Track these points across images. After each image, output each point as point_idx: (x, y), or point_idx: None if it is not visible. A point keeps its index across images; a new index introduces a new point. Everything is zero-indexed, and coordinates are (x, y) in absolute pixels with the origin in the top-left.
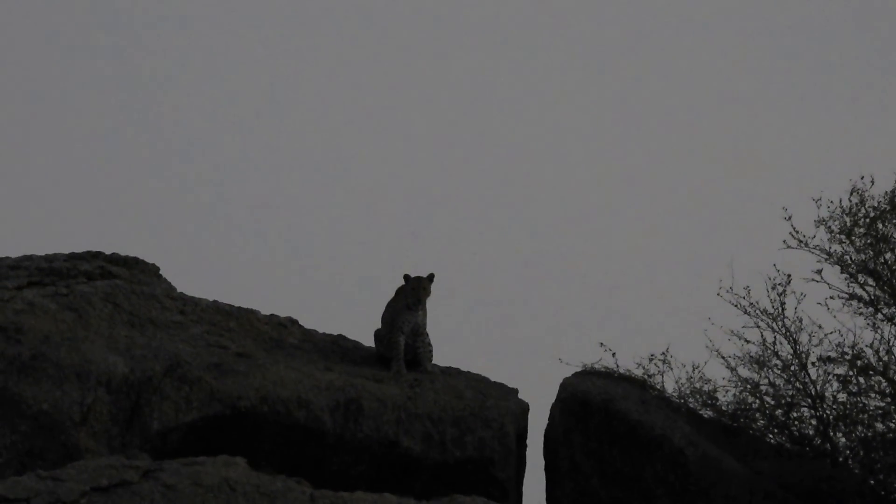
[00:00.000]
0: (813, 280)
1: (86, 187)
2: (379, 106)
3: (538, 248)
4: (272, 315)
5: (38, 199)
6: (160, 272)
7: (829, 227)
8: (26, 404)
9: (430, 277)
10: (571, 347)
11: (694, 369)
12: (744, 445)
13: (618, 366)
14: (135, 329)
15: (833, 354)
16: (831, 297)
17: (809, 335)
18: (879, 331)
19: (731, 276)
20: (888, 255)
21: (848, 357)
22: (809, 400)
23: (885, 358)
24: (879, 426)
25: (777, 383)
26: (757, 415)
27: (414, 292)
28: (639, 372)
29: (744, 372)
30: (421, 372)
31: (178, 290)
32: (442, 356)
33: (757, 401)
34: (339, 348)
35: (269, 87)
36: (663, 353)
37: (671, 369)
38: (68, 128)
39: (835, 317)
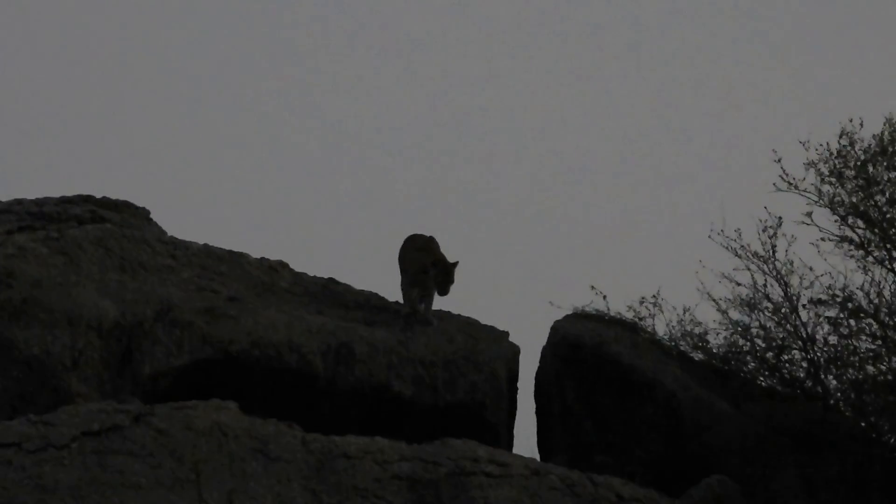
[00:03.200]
0: (803, 223)
1: (76, 130)
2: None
3: (528, 191)
4: (263, 258)
5: (28, 143)
6: (150, 216)
7: (819, 169)
8: (17, 349)
9: (456, 264)
10: (562, 290)
11: (685, 312)
12: (735, 388)
13: (609, 309)
14: (125, 273)
15: (824, 297)
16: (822, 240)
17: (800, 278)
18: (870, 273)
19: (723, 218)
20: (879, 198)
21: (839, 299)
22: (800, 342)
23: (876, 300)
24: (870, 369)
25: (768, 326)
26: (748, 357)
27: (446, 281)
28: (630, 315)
29: (735, 315)
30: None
31: (169, 233)
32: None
33: (748, 343)
34: (329, 292)
35: (261, 31)
36: (654, 296)
37: (662, 312)
38: (59, 69)
39: (825, 259)
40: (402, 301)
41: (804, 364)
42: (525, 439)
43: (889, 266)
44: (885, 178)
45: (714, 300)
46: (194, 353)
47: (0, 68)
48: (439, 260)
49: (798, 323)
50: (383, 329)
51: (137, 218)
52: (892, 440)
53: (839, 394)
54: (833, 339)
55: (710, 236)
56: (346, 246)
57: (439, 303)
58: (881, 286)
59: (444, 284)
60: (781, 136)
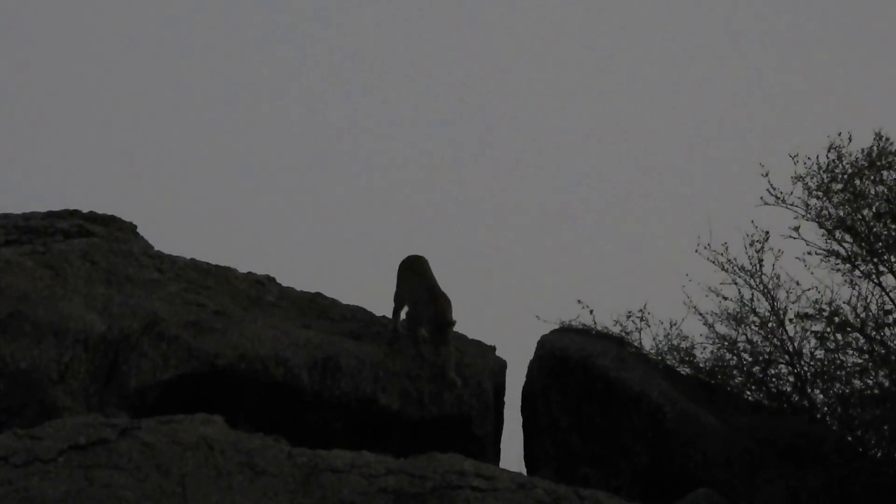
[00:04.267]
0: (790, 237)
1: (63, 144)
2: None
3: (516, 206)
4: (249, 273)
5: (15, 157)
6: (137, 230)
7: (807, 183)
8: (3, 362)
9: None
10: (549, 305)
11: (671, 326)
12: (721, 402)
13: (595, 323)
14: (112, 287)
15: (810, 311)
16: (809, 254)
17: (787, 292)
18: (857, 287)
19: (709, 232)
20: (866, 212)
21: (825, 313)
22: (787, 356)
23: (863, 314)
24: (857, 383)
25: (754, 340)
26: (734, 371)
27: (443, 332)
28: (616, 329)
29: (721, 329)
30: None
31: (156, 248)
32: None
33: (734, 357)
34: (316, 306)
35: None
36: (641, 311)
37: (649, 326)
38: (46, 85)
39: (812, 273)
40: (389, 316)
41: (791, 378)
42: (511, 453)
43: (876, 280)
44: (873, 191)
45: (701, 314)
46: (181, 367)
47: None
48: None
49: (785, 337)
50: (370, 343)
51: (124, 232)
52: (878, 454)
53: (825, 407)
54: (820, 354)
55: (696, 250)
56: (333, 260)
57: None
58: (868, 300)
59: (444, 336)
60: (769, 150)
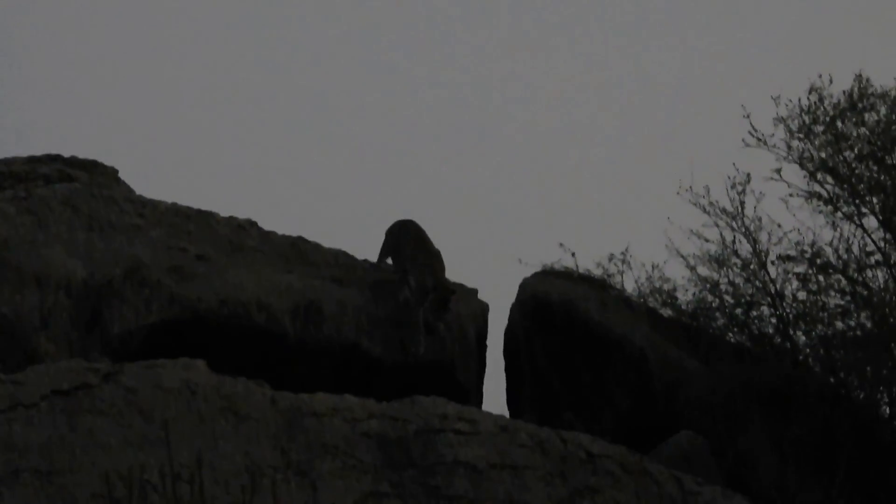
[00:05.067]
0: (772, 179)
1: (44, 88)
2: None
3: (497, 147)
4: (231, 217)
5: None
6: (119, 175)
7: (789, 125)
8: None
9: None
10: (531, 247)
11: (653, 269)
12: (704, 345)
13: (577, 266)
14: (94, 233)
15: (792, 253)
16: (791, 195)
17: (769, 234)
18: (839, 229)
19: (691, 175)
20: (848, 153)
21: (807, 255)
22: (769, 299)
23: (845, 256)
24: (839, 325)
25: (737, 282)
26: (717, 314)
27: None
28: (598, 272)
29: (703, 271)
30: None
31: (137, 192)
32: None
33: (717, 300)
34: (298, 250)
35: None
36: (623, 253)
37: (631, 269)
38: (26, 29)
39: (794, 215)
40: (371, 260)
41: (773, 320)
42: (494, 397)
43: (857, 222)
44: (854, 133)
45: (683, 257)
46: (163, 313)
47: None
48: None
49: (767, 279)
50: (352, 288)
51: (106, 177)
52: (861, 396)
53: (808, 350)
54: (802, 295)
55: (678, 193)
56: (314, 204)
57: None
58: (850, 242)
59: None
60: (750, 92)
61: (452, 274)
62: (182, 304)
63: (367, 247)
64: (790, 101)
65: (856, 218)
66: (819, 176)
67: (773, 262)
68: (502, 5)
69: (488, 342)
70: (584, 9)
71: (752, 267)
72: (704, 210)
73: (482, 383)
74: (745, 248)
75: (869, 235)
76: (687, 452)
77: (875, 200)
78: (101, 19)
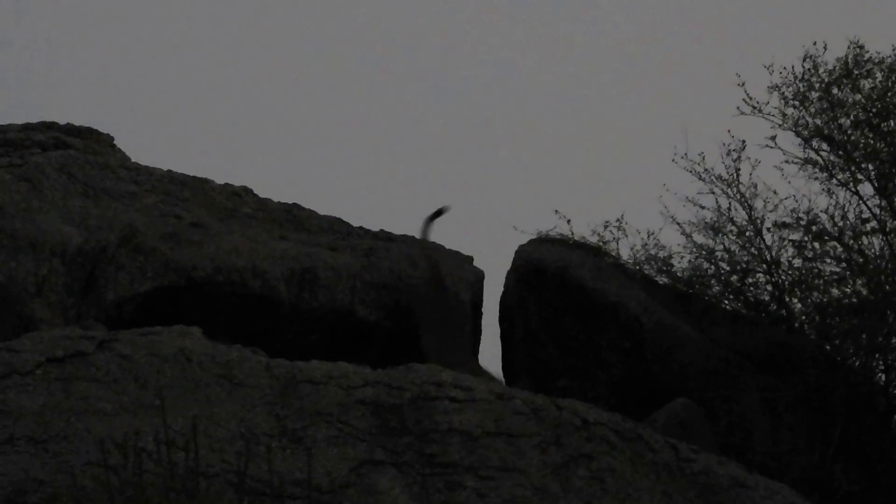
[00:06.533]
0: (767, 146)
1: (39, 56)
2: None
3: (493, 115)
4: (226, 184)
5: None
6: (114, 142)
7: (783, 93)
8: None
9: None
10: (526, 214)
11: (649, 236)
12: (699, 312)
13: (573, 233)
14: (89, 199)
15: (788, 220)
16: (786, 163)
17: (764, 201)
18: (834, 196)
19: (686, 142)
20: (843, 121)
21: (803, 222)
22: (764, 266)
23: (840, 223)
24: (835, 292)
25: (732, 249)
26: (712, 281)
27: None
28: (594, 239)
29: (699, 238)
30: None
31: (133, 159)
32: (395, 224)
33: (712, 267)
34: (293, 217)
35: None
36: (618, 220)
37: (626, 236)
38: None
39: (789, 182)
40: (367, 227)
41: (768, 287)
42: (489, 364)
43: (853, 189)
44: (850, 100)
45: (678, 224)
46: (158, 279)
47: None
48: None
49: (762, 246)
50: (347, 254)
51: (101, 144)
52: (856, 363)
53: (803, 317)
54: (797, 263)
55: (673, 160)
56: (310, 170)
57: (403, 228)
58: (845, 209)
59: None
60: (745, 60)
61: (448, 241)
62: (177, 270)
63: (362, 213)
64: (784, 68)
65: (851, 185)
66: (814, 143)
67: (768, 230)
68: None
69: (483, 309)
70: None
71: (747, 234)
72: (700, 177)
73: (477, 350)
74: (740, 216)
75: (864, 202)
76: (682, 419)
77: (870, 167)
78: None
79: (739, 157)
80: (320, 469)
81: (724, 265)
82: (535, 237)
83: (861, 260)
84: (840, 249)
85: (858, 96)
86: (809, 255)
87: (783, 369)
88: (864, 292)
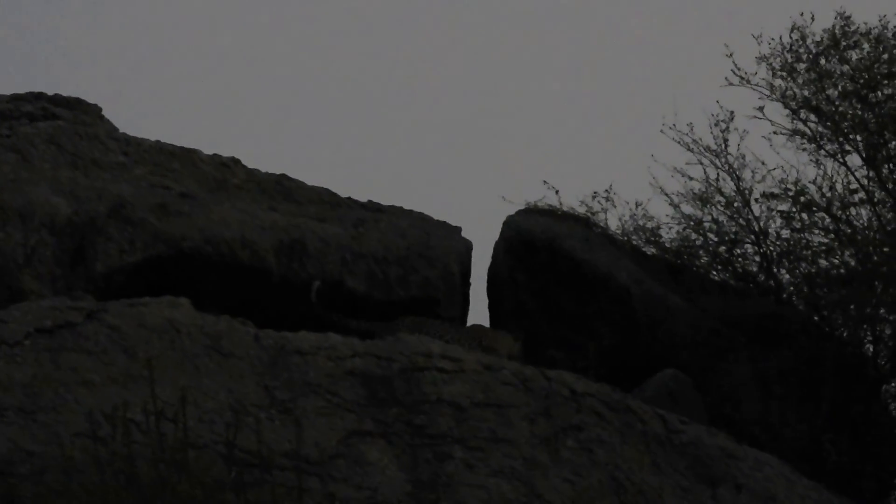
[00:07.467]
0: (755, 117)
1: (28, 26)
2: None
3: (481, 84)
4: (215, 155)
5: None
6: (102, 113)
7: (771, 64)
8: None
9: None
10: (515, 185)
11: (637, 207)
12: (688, 283)
13: (561, 204)
14: (78, 170)
15: (776, 191)
16: (774, 133)
17: (752, 172)
18: (822, 167)
19: (674, 113)
20: (831, 91)
21: (791, 193)
22: (753, 236)
23: (829, 194)
24: (823, 262)
25: (720, 220)
26: (700, 252)
27: None
28: (582, 210)
29: (687, 209)
30: None
31: (121, 130)
32: (384, 194)
33: (700, 238)
34: (282, 188)
35: None
36: (607, 191)
37: (615, 207)
38: None
39: (778, 153)
40: (356, 197)
41: (757, 258)
42: None
43: (841, 160)
44: (838, 71)
45: (666, 194)
46: (147, 250)
47: None
48: None
49: (750, 217)
50: (336, 225)
51: (90, 115)
52: (845, 334)
53: (792, 288)
54: (786, 233)
55: (662, 130)
56: (299, 141)
57: (392, 199)
58: (833, 180)
59: None
60: (733, 30)
61: (437, 212)
62: (166, 241)
63: (352, 184)
64: (773, 39)
65: (839, 156)
66: (802, 114)
67: (756, 200)
68: None
69: (472, 280)
70: None
71: (735, 205)
72: (688, 148)
73: (466, 321)
74: (728, 186)
75: (852, 173)
76: (671, 390)
77: (858, 138)
78: None
79: (728, 128)
80: (309, 440)
81: (712, 236)
82: (524, 208)
83: (849, 231)
84: (828, 220)
85: (846, 67)
86: (797, 226)
87: (773, 340)
88: (853, 263)
